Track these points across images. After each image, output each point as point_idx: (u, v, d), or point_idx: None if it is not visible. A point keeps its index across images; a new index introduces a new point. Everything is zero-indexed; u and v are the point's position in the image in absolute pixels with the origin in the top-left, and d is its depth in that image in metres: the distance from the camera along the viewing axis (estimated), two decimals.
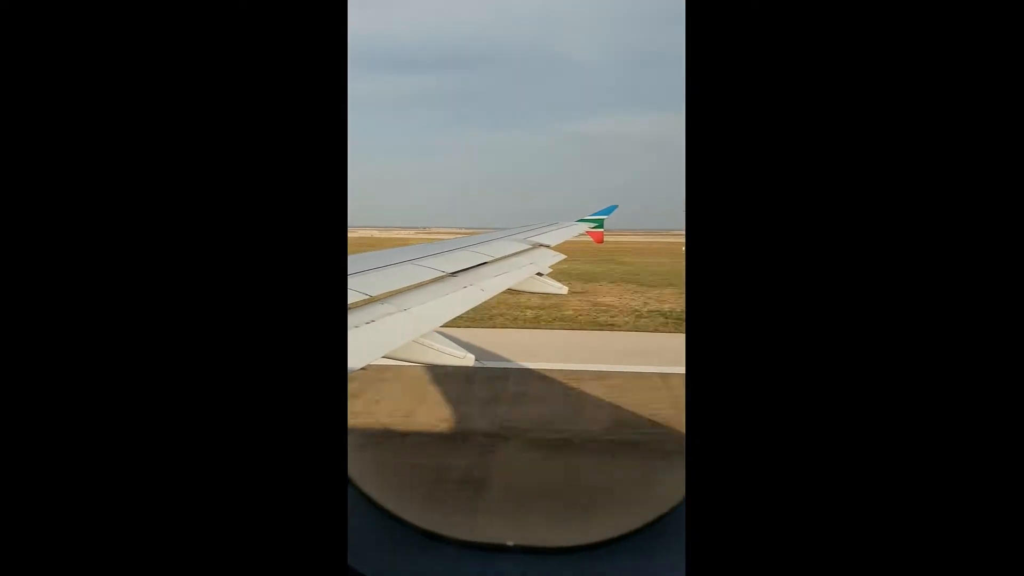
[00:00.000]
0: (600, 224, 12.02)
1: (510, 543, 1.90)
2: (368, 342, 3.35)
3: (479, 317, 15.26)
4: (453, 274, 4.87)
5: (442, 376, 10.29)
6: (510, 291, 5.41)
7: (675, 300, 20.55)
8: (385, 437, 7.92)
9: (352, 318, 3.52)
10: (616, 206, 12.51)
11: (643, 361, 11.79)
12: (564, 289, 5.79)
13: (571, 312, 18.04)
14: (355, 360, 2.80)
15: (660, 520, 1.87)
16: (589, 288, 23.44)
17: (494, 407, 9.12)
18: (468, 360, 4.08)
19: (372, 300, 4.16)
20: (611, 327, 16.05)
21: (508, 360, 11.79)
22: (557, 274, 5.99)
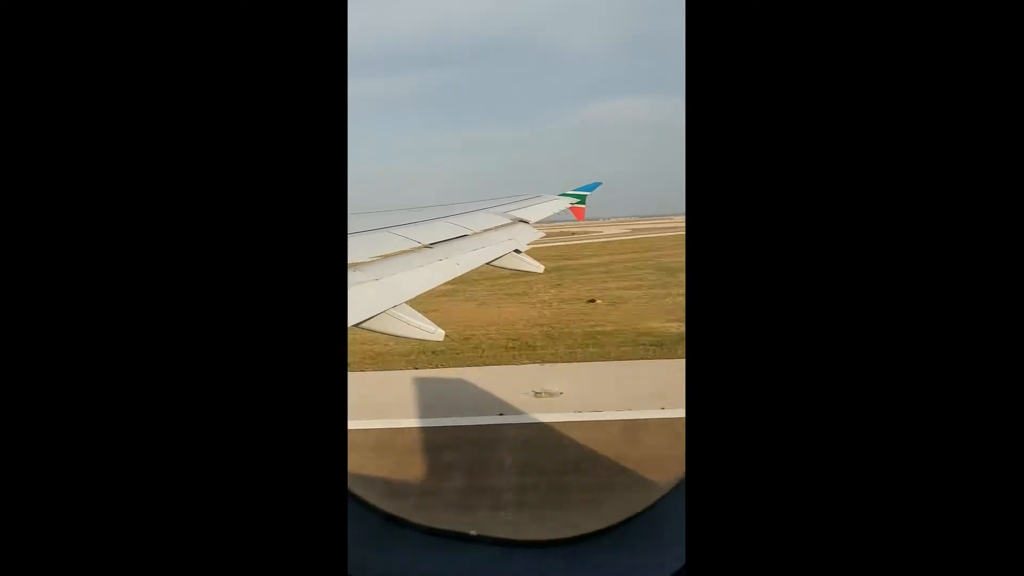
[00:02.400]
0: (583, 200, 12.02)
1: (472, 532, 1.88)
2: None
3: None
4: (430, 245, 4.79)
5: None
6: (486, 266, 5.36)
7: None
8: None
9: None
10: (600, 183, 12.49)
11: None
12: (540, 268, 5.76)
13: None
14: None
15: (644, 513, 1.88)
16: None
17: None
18: (438, 335, 4.05)
19: None
20: None
21: None
22: None
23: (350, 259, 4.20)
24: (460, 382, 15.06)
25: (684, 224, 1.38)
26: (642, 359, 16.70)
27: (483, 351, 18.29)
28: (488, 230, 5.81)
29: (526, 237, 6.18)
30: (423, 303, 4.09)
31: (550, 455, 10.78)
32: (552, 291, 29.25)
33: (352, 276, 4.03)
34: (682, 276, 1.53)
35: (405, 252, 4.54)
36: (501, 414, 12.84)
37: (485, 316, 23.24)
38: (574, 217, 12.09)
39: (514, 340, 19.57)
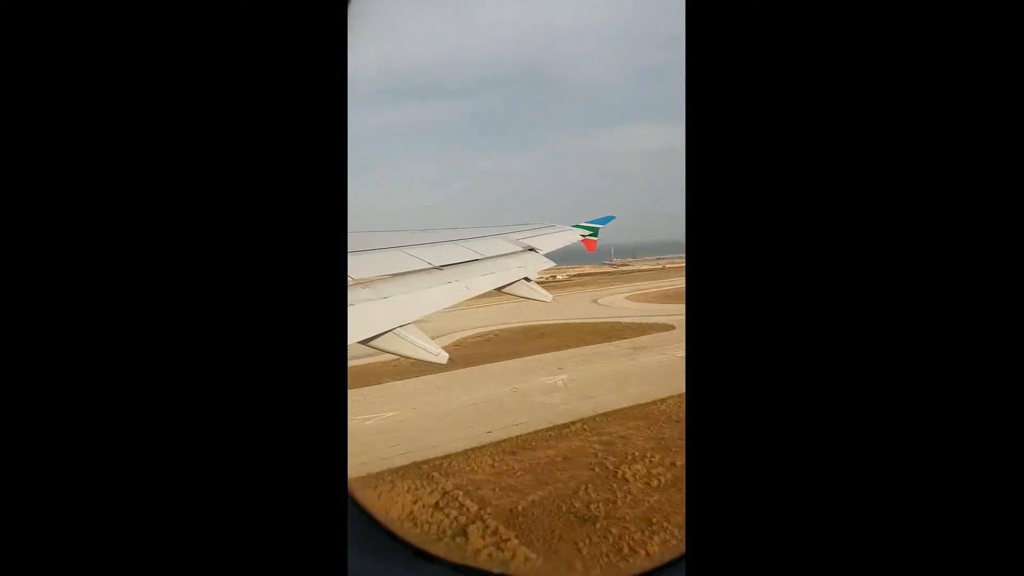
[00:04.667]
0: (595, 233, 12.02)
1: (496, 571, 1.85)
2: None
3: None
4: (440, 267, 4.81)
5: None
6: (496, 292, 5.37)
7: None
8: None
9: None
10: (614, 217, 12.49)
11: None
12: (549, 297, 5.75)
13: None
14: None
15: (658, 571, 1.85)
16: None
17: None
18: (442, 358, 4.04)
19: (355, 284, 4.11)
20: None
21: None
22: None
23: (362, 276, 4.22)
24: None
25: None
26: None
27: None
28: (499, 256, 5.82)
29: (536, 266, 6.19)
30: None
31: None
32: None
33: (362, 293, 4.05)
34: None
35: (416, 272, 4.55)
36: None
37: None
38: (586, 249, 12.08)
39: None
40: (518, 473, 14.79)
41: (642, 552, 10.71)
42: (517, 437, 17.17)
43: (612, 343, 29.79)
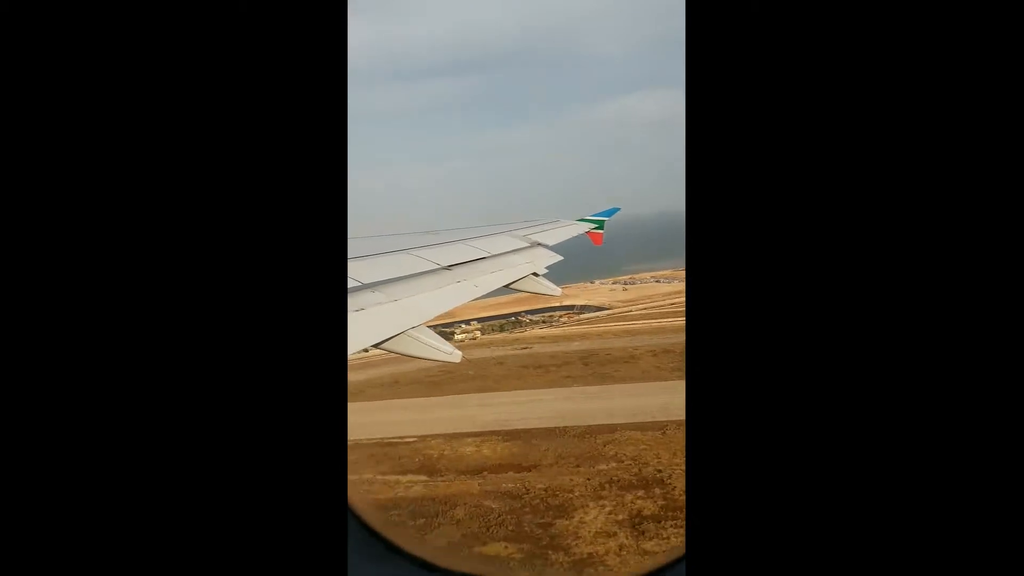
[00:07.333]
0: (601, 226, 12.01)
1: None
2: (357, 331, 3.32)
3: None
4: (448, 267, 4.83)
5: None
6: (505, 288, 5.38)
7: None
8: None
9: None
10: (619, 208, 12.46)
11: None
12: (558, 291, 5.75)
13: None
14: None
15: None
16: None
17: None
18: (455, 357, 4.05)
19: (364, 288, 4.13)
20: None
21: None
22: None
23: (371, 280, 4.24)
24: None
25: None
26: None
27: None
28: (506, 253, 5.84)
29: (544, 260, 6.20)
30: None
31: None
32: None
33: (372, 296, 4.07)
34: None
35: (424, 274, 4.57)
36: None
37: None
38: (592, 243, 12.05)
39: None
40: None
41: None
42: None
43: None
